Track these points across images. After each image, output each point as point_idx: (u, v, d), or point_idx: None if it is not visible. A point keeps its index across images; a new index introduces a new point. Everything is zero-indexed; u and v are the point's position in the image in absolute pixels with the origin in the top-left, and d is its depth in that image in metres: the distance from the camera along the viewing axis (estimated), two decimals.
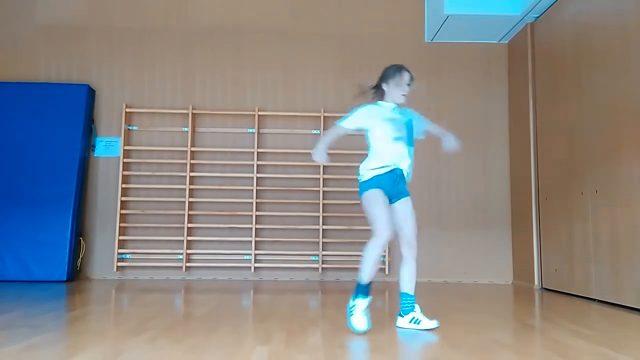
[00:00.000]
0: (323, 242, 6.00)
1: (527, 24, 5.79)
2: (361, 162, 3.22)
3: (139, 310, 3.85)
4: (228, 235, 6.03)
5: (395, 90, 3.19)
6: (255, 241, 5.98)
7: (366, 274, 2.95)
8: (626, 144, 4.03)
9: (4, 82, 6.02)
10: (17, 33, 6.26)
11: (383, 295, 4.99)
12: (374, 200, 3.04)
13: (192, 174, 6.06)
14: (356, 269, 6.13)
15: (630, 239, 3.96)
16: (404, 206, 3.14)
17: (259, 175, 6.08)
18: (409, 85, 3.21)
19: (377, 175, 3.09)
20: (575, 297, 4.70)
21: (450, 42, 6.34)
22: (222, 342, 2.68)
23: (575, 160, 4.80)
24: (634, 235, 3.92)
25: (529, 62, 5.73)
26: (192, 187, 6.05)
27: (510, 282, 6.05)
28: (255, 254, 5.99)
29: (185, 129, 6.14)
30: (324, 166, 6.08)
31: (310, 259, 6.02)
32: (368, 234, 6.29)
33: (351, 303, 2.93)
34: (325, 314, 3.71)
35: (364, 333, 2.83)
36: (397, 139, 3.14)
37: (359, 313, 2.88)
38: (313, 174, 6.11)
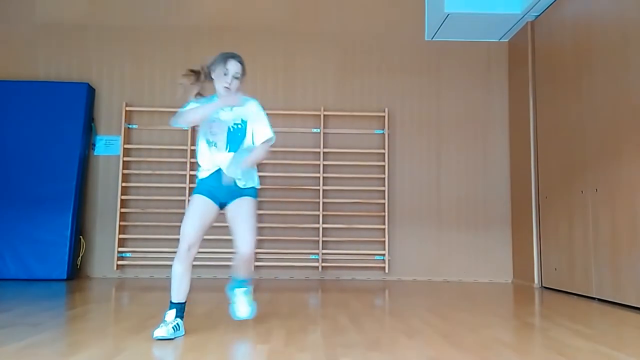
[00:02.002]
0: (323, 241, 6.00)
1: (527, 23, 5.78)
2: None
3: (139, 308, 3.85)
4: (228, 234, 5.98)
5: (219, 82, 2.85)
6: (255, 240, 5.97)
7: (173, 292, 2.74)
8: (626, 143, 4.03)
9: (3, 80, 6.01)
10: (17, 32, 6.25)
11: (383, 294, 5.00)
12: (189, 206, 2.85)
13: (192, 172, 6.05)
14: (356, 268, 6.16)
15: (630, 238, 3.96)
16: (236, 208, 2.85)
17: (258, 173, 6.05)
18: (237, 78, 2.85)
19: (201, 179, 2.87)
20: (575, 296, 4.70)
21: (450, 40, 6.33)
22: (222, 340, 2.68)
23: (575, 159, 4.80)
24: (634, 234, 3.91)
25: (529, 61, 5.73)
26: (191, 185, 6.05)
27: (510, 281, 6.05)
28: (255, 253, 5.97)
29: (185, 128, 6.13)
30: (324, 165, 6.08)
31: (310, 257, 6.02)
32: (368, 232, 6.32)
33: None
34: (325, 312, 3.71)
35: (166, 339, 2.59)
36: (210, 143, 2.83)
37: (162, 323, 2.64)
38: (313, 172, 6.11)
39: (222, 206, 2.90)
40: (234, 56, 2.87)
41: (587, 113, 4.61)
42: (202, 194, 2.84)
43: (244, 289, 2.98)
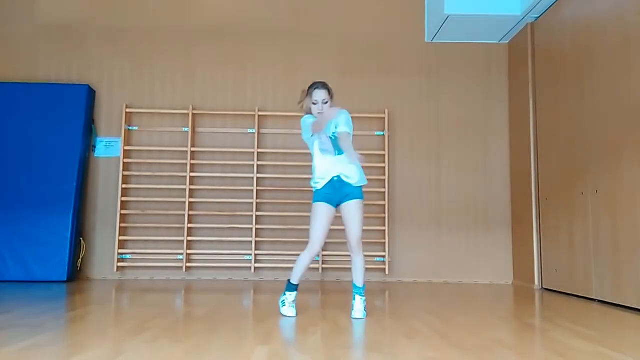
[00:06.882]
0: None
1: (527, 24, 5.79)
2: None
3: (140, 310, 3.85)
4: (228, 236, 6.03)
5: (313, 110, 3.55)
6: (256, 241, 5.98)
7: (295, 276, 3.58)
8: (626, 144, 4.03)
9: (4, 82, 6.02)
10: (17, 33, 6.26)
11: (383, 295, 5.00)
12: (314, 213, 3.52)
13: (192, 174, 6.06)
14: None
15: (631, 239, 3.96)
16: (349, 209, 3.53)
17: (259, 175, 6.08)
18: (326, 102, 3.51)
19: (318, 190, 3.51)
20: (575, 297, 4.70)
21: (450, 42, 6.34)
22: (222, 342, 2.68)
23: (575, 160, 4.80)
24: (634, 235, 3.92)
25: (529, 62, 5.74)
26: (192, 187, 6.05)
27: (511, 283, 6.05)
28: (256, 254, 5.99)
29: (186, 129, 6.14)
30: None
31: None
32: (369, 234, 6.33)
33: (282, 297, 3.56)
34: (325, 314, 3.72)
35: (294, 317, 3.43)
36: (323, 151, 3.51)
37: (288, 304, 3.50)
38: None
39: (337, 205, 3.56)
40: (317, 86, 3.59)
41: (587, 114, 4.61)
42: (322, 202, 3.51)
43: (363, 297, 3.50)
